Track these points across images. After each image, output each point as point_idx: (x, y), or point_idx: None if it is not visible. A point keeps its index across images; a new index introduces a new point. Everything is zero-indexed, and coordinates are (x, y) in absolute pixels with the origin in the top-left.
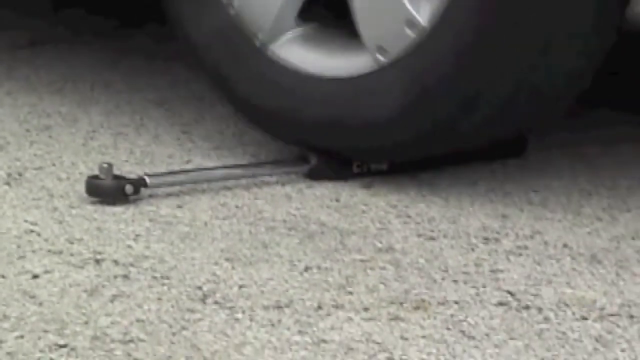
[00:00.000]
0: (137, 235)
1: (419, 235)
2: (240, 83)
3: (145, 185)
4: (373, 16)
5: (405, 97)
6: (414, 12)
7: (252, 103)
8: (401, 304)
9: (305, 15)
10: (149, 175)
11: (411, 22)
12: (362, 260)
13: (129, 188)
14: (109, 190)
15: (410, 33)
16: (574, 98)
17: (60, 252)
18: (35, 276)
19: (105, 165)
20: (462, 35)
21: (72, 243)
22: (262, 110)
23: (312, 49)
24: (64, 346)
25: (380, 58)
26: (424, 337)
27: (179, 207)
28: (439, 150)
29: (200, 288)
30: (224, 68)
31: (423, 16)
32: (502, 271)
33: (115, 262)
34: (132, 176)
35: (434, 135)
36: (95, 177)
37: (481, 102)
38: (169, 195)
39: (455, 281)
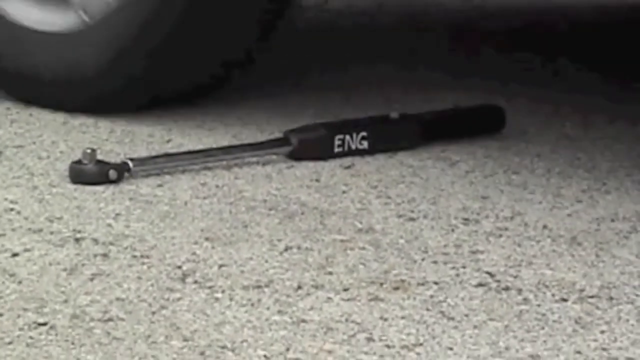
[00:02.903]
0: (117, 214)
1: (399, 216)
2: None
3: (128, 170)
4: None
5: (104, 55)
6: None
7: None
8: (381, 284)
9: None
10: (132, 160)
11: None
12: (342, 241)
13: (112, 173)
14: (93, 175)
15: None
16: None
17: (40, 231)
18: (15, 254)
19: (88, 151)
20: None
21: (52, 222)
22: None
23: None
24: (44, 324)
25: (85, 18)
26: (403, 317)
27: (159, 186)
28: (137, 101)
29: (180, 267)
30: None
31: None
32: (482, 252)
33: (95, 240)
34: (116, 161)
35: (130, 87)
36: (79, 162)
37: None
38: (149, 174)
39: (435, 262)
